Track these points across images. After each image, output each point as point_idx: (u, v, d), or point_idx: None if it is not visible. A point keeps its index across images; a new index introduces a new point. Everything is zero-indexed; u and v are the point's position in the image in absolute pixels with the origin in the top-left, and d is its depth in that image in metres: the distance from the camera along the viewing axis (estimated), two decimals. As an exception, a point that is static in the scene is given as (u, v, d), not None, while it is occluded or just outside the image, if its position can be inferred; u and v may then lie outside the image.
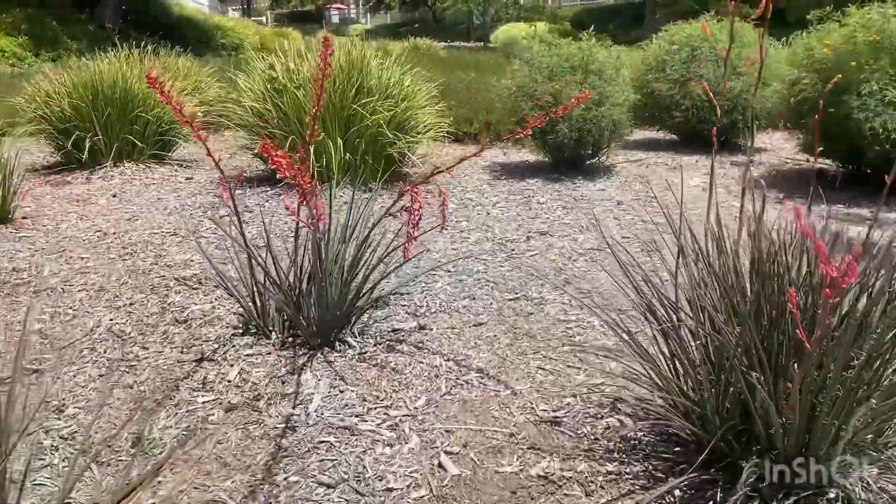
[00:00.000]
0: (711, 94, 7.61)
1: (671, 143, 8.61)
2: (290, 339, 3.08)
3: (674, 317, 2.14)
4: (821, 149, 6.30)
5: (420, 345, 3.06)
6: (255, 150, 6.12)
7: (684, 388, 2.06)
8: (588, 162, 6.92)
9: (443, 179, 6.40)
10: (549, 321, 3.35)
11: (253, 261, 3.09)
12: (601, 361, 2.89)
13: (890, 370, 1.82)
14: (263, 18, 55.06)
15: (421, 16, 56.37)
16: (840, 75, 5.77)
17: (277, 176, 2.49)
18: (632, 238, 4.74)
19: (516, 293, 3.72)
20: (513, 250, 4.48)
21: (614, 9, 39.13)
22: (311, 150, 5.51)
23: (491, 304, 3.57)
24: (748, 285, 2.10)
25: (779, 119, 6.44)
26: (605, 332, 3.24)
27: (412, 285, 3.80)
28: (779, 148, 8.39)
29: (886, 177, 2.07)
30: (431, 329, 3.24)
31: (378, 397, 2.63)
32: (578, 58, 6.40)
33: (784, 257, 2.02)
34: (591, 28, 6.73)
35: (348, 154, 5.72)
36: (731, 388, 1.90)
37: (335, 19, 62.06)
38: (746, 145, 8.09)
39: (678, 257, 2.19)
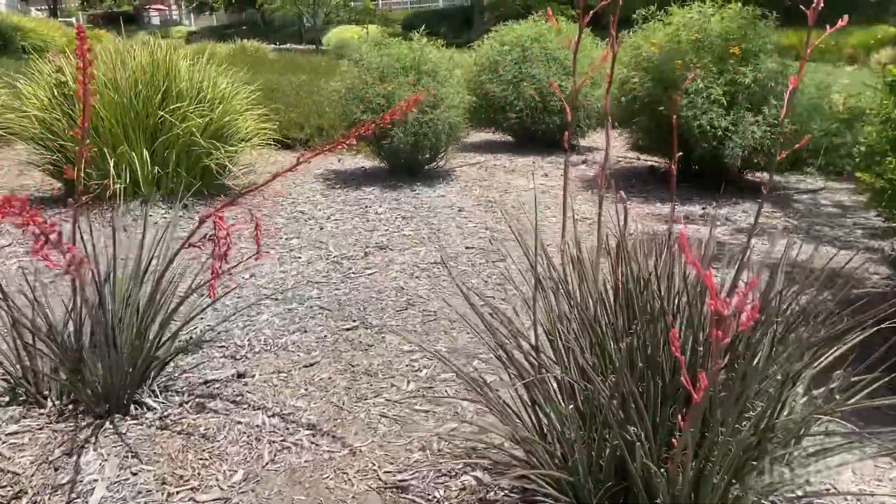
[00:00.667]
0: (550, 93, 7.58)
1: (508, 145, 8.53)
2: (71, 406, 2.46)
3: (534, 362, 1.80)
4: (642, 145, 6.41)
5: (238, 398, 2.55)
6: (43, 166, 5.25)
7: (550, 447, 1.72)
8: (427, 167, 6.62)
9: (272, 191, 5.84)
10: (392, 353, 2.94)
11: (14, 311, 2.43)
12: (453, 401, 2.53)
13: (785, 413, 1.58)
14: (74, 19, 50.64)
15: (249, 18, 54.23)
16: (673, 72, 5.87)
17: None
18: (475, 249, 4.45)
19: (354, 321, 3.29)
20: (350, 269, 4.04)
21: (444, 12, 39.64)
22: (111, 163, 4.77)
23: (325, 336, 3.11)
24: (617, 318, 1.80)
25: (610, 118, 6.46)
26: (456, 358, 2.89)
27: (232, 320, 3.26)
28: (611, 146, 8.54)
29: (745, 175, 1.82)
30: (254, 376, 2.74)
31: (182, 477, 2.10)
32: (410, 58, 6.07)
33: (656, 284, 1.73)
34: (412, 32, 6.41)
35: (157, 167, 5.02)
36: (607, 446, 1.58)
37: (155, 21, 58.33)
38: (580, 145, 8.18)
39: (535, 289, 1.85)
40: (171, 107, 4.99)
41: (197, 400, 2.52)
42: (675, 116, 2.19)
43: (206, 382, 2.67)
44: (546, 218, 5.24)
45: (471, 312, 3.65)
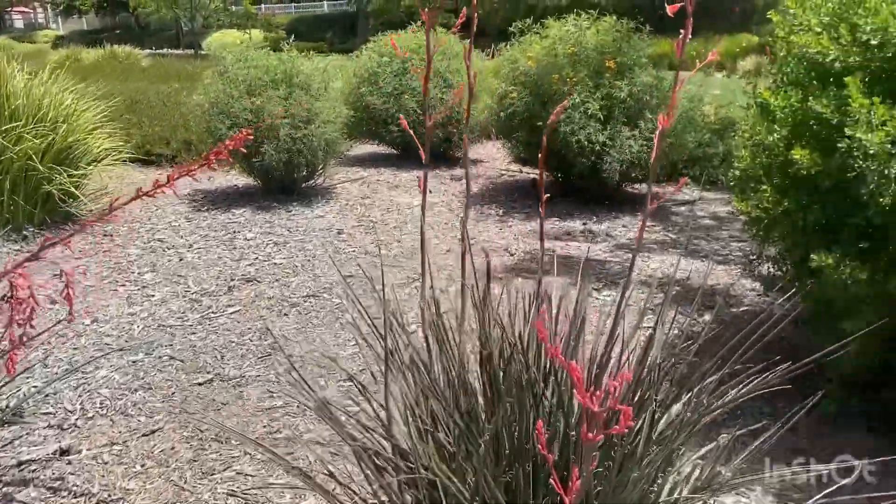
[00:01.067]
0: (432, 105, 7.38)
1: (392, 158, 8.29)
2: None
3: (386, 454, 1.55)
4: (525, 159, 6.33)
5: (58, 483, 2.17)
6: None
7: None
8: (304, 185, 6.27)
9: (130, 216, 5.33)
10: (250, 411, 2.63)
11: None
12: (315, 470, 2.25)
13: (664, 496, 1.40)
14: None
15: (123, 21, 51.51)
16: (554, 86, 5.80)
17: None
18: (354, 277, 4.18)
19: (209, 373, 2.94)
20: (210, 308, 3.66)
21: (330, 18, 39.01)
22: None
23: (173, 393, 2.76)
24: (484, 393, 1.58)
25: (491, 132, 6.35)
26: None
27: (64, 380, 2.84)
28: (494, 158, 8.44)
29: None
30: (80, 451, 2.35)
31: None
32: (281, 70, 5.71)
33: (523, 358, 1.52)
34: (292, 38, 6.06)
35: (-12, 195, 4.45)
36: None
37: (19, 24, 54.35)
38: (459, 157, 8.04)
39: (386, 367, 1.59)
40: (3, 128, 4.43)
41: (3, 490, 2.12)
42: (545, 136, 2.00)
43: (20, 464, 2.27)
44: (428, 240, 5.02)
45: (345, 354, 3.39)
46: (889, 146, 1.93)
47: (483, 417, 1.51)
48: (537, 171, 6.65)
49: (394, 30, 8.24)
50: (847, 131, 1.99)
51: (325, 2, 45.51)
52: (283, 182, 5.92)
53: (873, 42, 2.02)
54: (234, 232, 5.08)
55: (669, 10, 1.32)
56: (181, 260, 4.45)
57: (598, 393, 1.05)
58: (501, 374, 1.50)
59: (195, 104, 5.93)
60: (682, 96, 5.76)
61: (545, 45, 5.73)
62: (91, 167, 5.01)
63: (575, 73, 5.48)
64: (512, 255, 4.71)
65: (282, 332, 3.36)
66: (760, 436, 1.79)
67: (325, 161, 6.05)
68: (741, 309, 3.79)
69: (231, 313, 3.60)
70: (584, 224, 5.44)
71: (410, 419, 1.51)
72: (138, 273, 4.18)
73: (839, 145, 2.04)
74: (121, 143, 5.45)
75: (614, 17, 5.78)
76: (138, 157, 6.52)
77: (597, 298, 3.92)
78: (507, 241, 5.02)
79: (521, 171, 7.12)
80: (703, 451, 1.79)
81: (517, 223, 5.49)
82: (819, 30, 2.19)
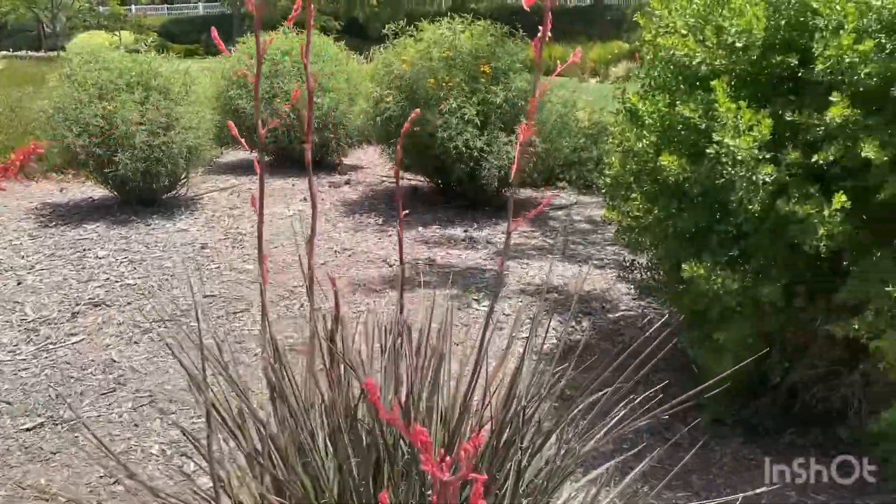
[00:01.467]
0: (300, 111, 7.09)
1: (267, 165, 7.91)
2: None
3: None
4: (408, 165, 6.19)
5: None
6: None
7: None
8: (166, 196, 5.83)
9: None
10: (82, 461, 2.30)
11: None
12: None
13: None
14: None
15: (-25, 20, 47.51)
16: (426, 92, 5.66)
17: None
18: (217, 297, 3.86)
19: (39, 415, 2.58)
20: (48, 339, 3.26)
21: (205, 20, 37.51)
22: None
23: (-7, 444, 2.38)
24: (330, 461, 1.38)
25: (369, 137, 6.15)
26: (170, 457, 2.32)
27: None
28: (375, 164, 8.22)
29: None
30: None
31: None
32: (136, 72, 5.27)
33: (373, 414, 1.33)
34: (152, 40, 5.62)
35: None
36: None
37: None
38: (343, 163, 7.78)
39: (210, 434, 1.34)
40: None
41: None
42: (399, 145, 1.82)
43: None
44: (301, 253, 4.74)
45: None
46: (756, 151, 1.89)
47: (331, 480, 1.31)
48: (420, 178, 6.50)
49: (269, 31, 7.85)
50: (715, 136, 1.94)
51: (200, 3, 43.79)
52: (141, 193, 5.47)
53: (738, 44, 1.97)
54: (84, 250, 4.62)
55: (525, 2, 1.19)
56: (19, 283, 3.98)
57: (447, 460, 0.87)
58: (346, 435, 1.30)
59: (39, 110, 5.36)
60: (556, 101, 5.78)
61: (420, 49, 5.59)
62: None
63: (451, 77, 5.36)
64: (391, 266, 4.53)
65: (130, 363, 3.02)
66: (644, 457, 1.70)
67: (187, 170, 5.65)
68: (617, 314, 3.78)
69: (73, 343, 3.21)
70: (466, 231, 5.33)
71: (247, 484, 1.29)
72: (-36, 301, 3.69)
73: (707, 151, 1.99)
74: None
75: (488, 22, 5.72)
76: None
77: (476, 309, 3.79)
78: (386, 251, 4.83)
79: (403, 178, 6.94)
80: (583, 481, 1.67)
81: (395, 232, 5.30)
82: (685, 32, 2.14)
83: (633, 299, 3.92)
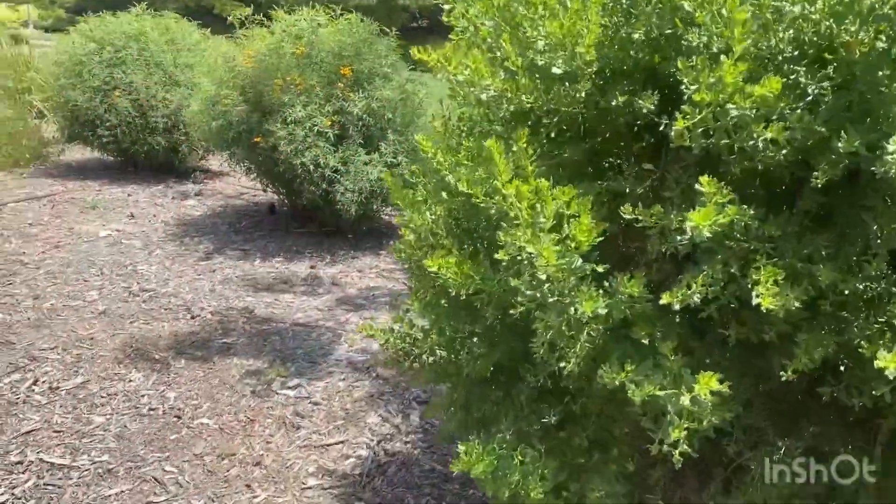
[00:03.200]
0: (152, 107, 5.99)
1: (112, 167, 6.77)
2: None
3: None
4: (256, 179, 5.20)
5: None
6: None
7: None
8: (-55, 206, 4.68)
9: None
10: None
11: None
12: None
13: None
14: None
15: None
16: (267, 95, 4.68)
17: None
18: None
19: None
20: None
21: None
22: None
23: None
24: None
25: (207, 144, 5.12)
26: None
27: None
28: (239, 172, 7.20)
29: None
30: None
31: None
32: None
33: None
34: None
35: None
36: None
37: None
38: (197, 169, 6.70)
39: None
40: None
41: None
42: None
43: None
44: (84, 295, 3.71)
45: None
46: (575, 265, 1.03)
47: None
48: (281, 193, 5.46)
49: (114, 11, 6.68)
50: (501, 234, 1.07)
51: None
52: None
53: (555, 70, 1.10)
54: None
55: None
56: None
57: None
58: None
59: None
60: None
61: (271, 42, 4.60)
62: None
63: (303, 79, 4.41)
64: (194, 317, 3.54)
65: None
66: None
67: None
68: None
69: None
70: (313, 267, 4.38)
71: None
72: None
73: (497, 256, 1.12)
74: None
75: (358, 16, 4.77)
76: None
77: (276, 393, 2.85)
78: (198, 293, 3.83)
79: (266, 192, 5.89)
80: None
81: (227, 263, 4.32)
82: (486, 43, 1.26)
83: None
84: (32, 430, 2.46)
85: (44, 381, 2.80)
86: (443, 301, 1.40)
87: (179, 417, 2.64)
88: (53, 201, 5.45)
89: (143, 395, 2.76)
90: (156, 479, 2.26)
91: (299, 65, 4.51)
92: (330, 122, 4.36)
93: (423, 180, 1.69)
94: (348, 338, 3.40)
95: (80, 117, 6.05)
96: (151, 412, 2.66)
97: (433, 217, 1.46)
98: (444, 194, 1.44)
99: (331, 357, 3.20)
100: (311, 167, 4.30)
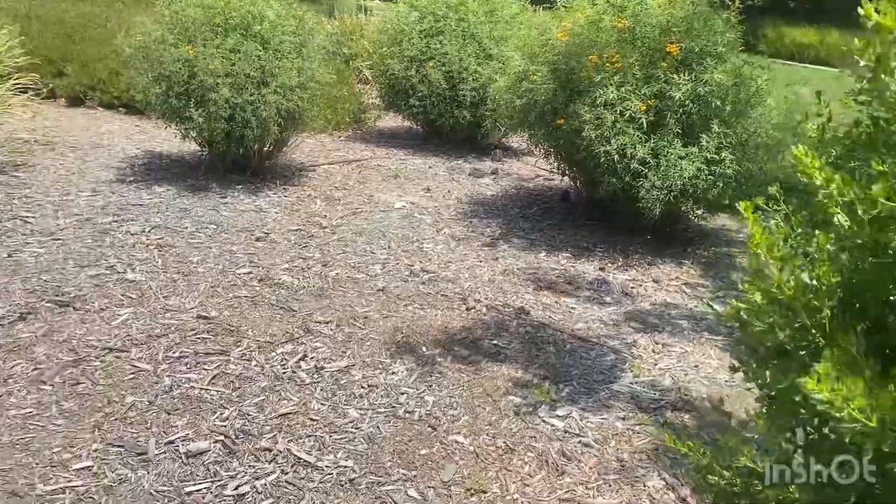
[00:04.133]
0: (462, 79, 5.92)
1: (418, 137, 6.89)
2: None
3: None
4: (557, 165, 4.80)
5: None
6: None
7: None
8: (268, 162, 5.01)
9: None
10: None
11: None
12: None
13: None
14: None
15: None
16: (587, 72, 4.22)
17: None
18: (212, 322, 2.88)
19: None
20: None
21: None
22: None
23: None
24: None
25: (509, 121, 4.82)
26: None
27: None
28: (535, 153, 6.90)
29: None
30: None
31: None
32: (240, 13, 4.41)
33: None
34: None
35: None
36: None
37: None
38: (496, 146, 6.51)
39: None
40: None
41: None
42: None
43: None
44: (368, 269, 3.64)
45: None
46: None
47: None
48: (578, 180, 5.00)
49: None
50: None
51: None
52: (234, 157, 4.67)
53: None
54: (125, 220, 3.89)
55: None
56: (10, 256, 3.29)
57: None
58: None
59: (120, 44, 4.67)
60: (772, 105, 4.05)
61: (590, 15, 4.13)
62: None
63: (620, 55, 3.89)
64: (469, 308, 3.27)
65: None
66: None
67: (283, 137, 4.76)
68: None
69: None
70: (602, 269, 3.89)
71: None
72: None
73: None
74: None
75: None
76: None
77: (543, 421, 2.44)
78: (476, 281, 3.57)
79: (563, 178, 5.45)
80: None
81: (510, 252, 4.01)
82: None
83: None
84: (289, 413, 2.34)
85: (312, 358, 2.70)
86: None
87: (434, 428, 2.35)
88: (361, 166, 5.63)
89: (402, 393, 2.53)
90: (395, 504, 1.99)
91: (619, 40, 3.99)
92: (644, 107, 3.79)
93: (797, 218, 1.11)
94: (635, 365, 2.87)
95: (396, 86, 6.19)
96: (407, 415, 2.41)
97: (813, 283, 0.89)
98: (842, 256, 0.87)
99: (611, 386, 2.71)
100: (616, 156, 3.79)
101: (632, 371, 2.84)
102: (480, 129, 6.12)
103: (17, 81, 4.28)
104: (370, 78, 7.83)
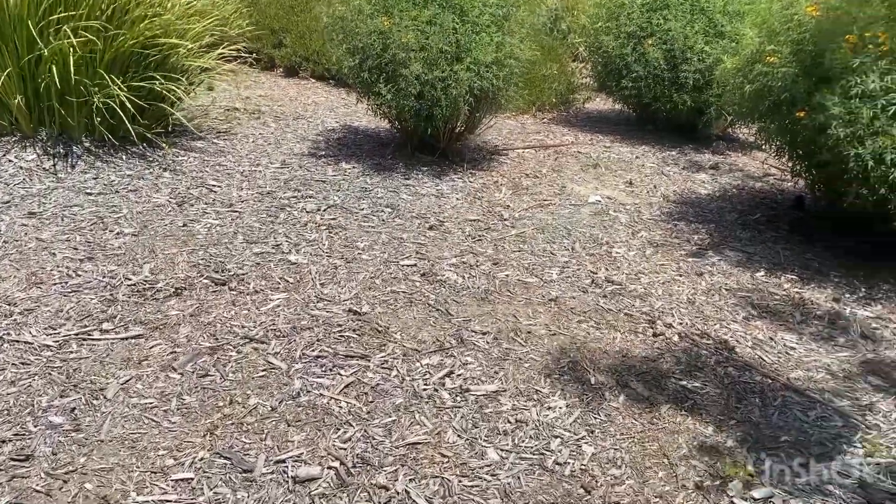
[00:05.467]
0: (685, 59, 5.22)
1: (629, 123, 6.26)
2: None
3: None
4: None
5: None
6: None
7: None
8: (459, 143, 4.72)
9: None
10: None
11: None
12: None
13: None
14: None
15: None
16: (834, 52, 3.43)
17: None
18: (352, 326, 2.64)
19: None
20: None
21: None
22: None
23: None
24: None
25: (729, 110, 4.09)
26: None
27: None
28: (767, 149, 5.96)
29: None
30: None
31: None
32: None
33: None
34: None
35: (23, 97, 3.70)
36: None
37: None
38: (718, 137, 5.68)
39: None
40: (63, 14, 3.58)
41: None
42: None
43: None
44: (543, 273, 3.21)
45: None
46: None
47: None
48: (818, 184, 4.14)
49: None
50: None
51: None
52: (422, 136, 4.44)
53: None
54: (305, 197, 3.79)
55: None
56: (119, 235, 3.29)
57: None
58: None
59: (323, 13, 4.55)
60: None
61: (855, -18, 3.32)
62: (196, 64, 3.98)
63: (888, 36, 3.07)
64: (657, 334, 2.73)
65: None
66: None
67: (475, 116, 4.43)
68: None
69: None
70: (836, 300, 3.13)
71: None
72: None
73: None
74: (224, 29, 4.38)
75: None
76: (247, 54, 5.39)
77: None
78: (671, 300, 3.01)
79: (797, 181, 4.58)
80: None
81: (720, 267, 3.37)
82: None
83: None
84: (418, 443, 2.01)
85: (459, 376, 2.35)
86: None
87: (588, 491, 1.90)
88: (559, 152, 5.17)
89: (556, 437, 2.10)
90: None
91: (889, 16, 3.15)
92: (919, 101, 2.95)
93: None
94: (868, 438, 2.18)
95: (609, 65, 5.62)
96: (557, 467, 1.98)
97: None
98: None
99: (831, 464, 2.06)
100: (871, 162, 2.99)
101: (863, 446, 2.16)
102: (703, 116, 5.38)
103: (221, 52, 4.33)
104: (586, 56, 7.31)
